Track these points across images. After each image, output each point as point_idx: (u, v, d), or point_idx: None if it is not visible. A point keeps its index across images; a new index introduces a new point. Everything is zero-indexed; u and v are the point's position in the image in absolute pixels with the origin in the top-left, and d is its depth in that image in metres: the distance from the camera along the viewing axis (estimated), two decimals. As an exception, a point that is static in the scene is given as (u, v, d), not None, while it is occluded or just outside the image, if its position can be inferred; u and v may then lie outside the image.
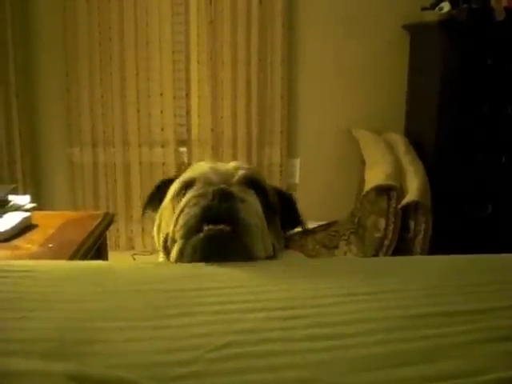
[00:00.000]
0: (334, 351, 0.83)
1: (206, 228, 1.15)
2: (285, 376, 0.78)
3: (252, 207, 1.20)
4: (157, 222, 1.34)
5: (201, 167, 1.32)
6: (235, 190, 1.20)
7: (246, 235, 1.17)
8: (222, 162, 3.54)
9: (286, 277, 1.09)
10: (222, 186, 1.20)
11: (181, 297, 0.96)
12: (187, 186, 1.28)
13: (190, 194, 1.22)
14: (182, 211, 1.20)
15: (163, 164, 3.64)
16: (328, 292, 1.01)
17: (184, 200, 1.22)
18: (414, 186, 2.87)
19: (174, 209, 1.26)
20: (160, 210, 1.35)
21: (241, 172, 1.28)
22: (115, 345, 0.81)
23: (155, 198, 1.41)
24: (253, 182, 1.27)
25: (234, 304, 0.94)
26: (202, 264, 1.12)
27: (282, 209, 1.37)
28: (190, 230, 1.17)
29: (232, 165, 1.33)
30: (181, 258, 1.18)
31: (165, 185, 1.39)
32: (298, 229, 1.49)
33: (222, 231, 1.15)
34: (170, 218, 1.25)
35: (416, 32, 3.55)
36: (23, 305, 0.95)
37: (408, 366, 0.79)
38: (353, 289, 1.03)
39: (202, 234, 1.16)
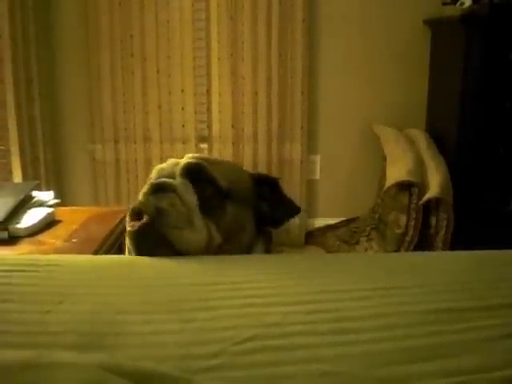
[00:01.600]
0: (355, 345, 0.83)
1: (131, 223, 1.26)
2: (308, 369, 0.79)
3: (177, 200, 1.24)
4: None
5: (161, 165, 1.42)
6: (172, 181, 1.28)
7: (159, 223, 1.22)
8: (243, 158, 3.53)
9: (307, 271, 1.10)
10: (161, 179, 1.29)
11: (205, 291, 0.97)
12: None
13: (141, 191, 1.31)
14: None
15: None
16: (349, 287, 1.02)
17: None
18: (435, 182, 2.86)
19: None
20: None
21: (182, 162, 1.34)
22: (141, 337, 0.83)
23: None
24: (192, 171, 1.31)
25: (257, 298, 0.95)
26: (226, 257, 1.14)
27: (266, 196, 1.42)
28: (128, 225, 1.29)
29: (186, 156, 1.40)
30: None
31: None
32: (295, 218, 1.51)
33: (137, 226, 1.23)
34: None
35: (437, 27, 3.53)
36: (50, 298, 0.97)
37: (428, 361, 0.79)
38: (373, 284, 1.03)
39: (128, 229, 1.27)
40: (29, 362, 0.60)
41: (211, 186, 1.30)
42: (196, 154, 1.41)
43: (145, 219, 1.22)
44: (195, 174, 1.30)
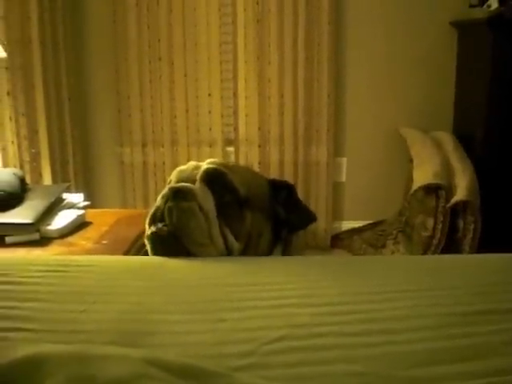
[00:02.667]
0: (385, 346, 0.85)
1: (150, 229, 1.29)
2: (336, 369, 0.80)
3: (197, 206, 1.26)
4: None
5: (181, 167, 1.44)
6: (192, 186, 1.29)
7: (184, 238, 1.24)
8: (269, 160, 3.54)
9: (336, 273, 1.11)
10: (180, 184, 1.30)
11: (237, 291, 0.99)
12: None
13: (161, 193, 1.33)
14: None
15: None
16: (378, 289, 1.03)
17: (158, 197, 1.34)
18: (462, 185, 2.85)
19: None
20: None
21: (202, 168, 1.36)
22: (175, 337, 0.85)
23: None
24: (212, 178, 1.33)
25: (287, 299, 0.96)
26: (256, 259, 1.15)
27: (282, 201, 1.43)
28: (147, 229, 1.32)
29: (206, 161, 1.42)
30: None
31: None
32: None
33: (157, 233, 1.27)
34: None
35: (464, 29, 3.51)
36: (85, 298, 1.00)
37: (455, 362, 0.80)
38: (400, 286, 1.04)
39: (148, 233, 1.30)
40: (79, 354, 0.62)
41: (230, 193, 1.32)
42: (216, 160, 1.43)
43: (166, 227, 1.26)
44: (215, 180, 1.32)
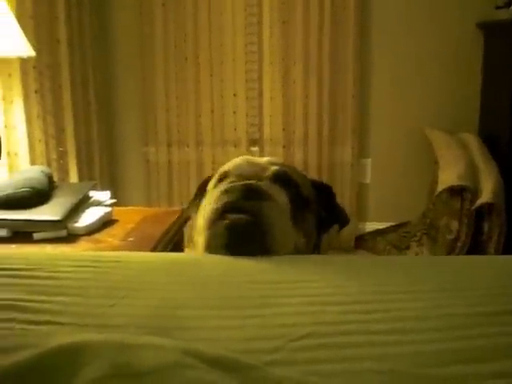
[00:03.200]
0: (409, 345, 0.85)
1: (229, 216, 1.19)
2: (364, 367, 0.80)
3: (276, 206, 1.22)
4: (201, 215, 1.36)
5: (237, 161, 1.38)
6: (264, 185, 1.24)
7: (266, 230, 1.19)
8: (293, 161, 3.56)
9: (363, 272, 1.11)
10: (252, 181, 1.24)
11: (265, 288, 1.00)
12: (222, 178, 1.34)
13: (221, 186, 1.27)
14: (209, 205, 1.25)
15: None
16: (403, 288, 1.03)
17: (215, 192, 1.26)
18: (488, 187, 2.83)
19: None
20: (201, 206, 1.39)
21: (273, 167, 1.32)
22: (204, 332, 0.86)
23: (203, 191, 1.46)
24: (284, 178, 1.30)
25: (315, 297, 0.97)
26: (285, 257, 1.16)
27: (322, 202, 1.41)
28: (214, 221, 1.22)
29: (266, 159, 1.38)
30: (206, 248, 1.23)
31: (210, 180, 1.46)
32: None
33: (243, 219, 1.17)
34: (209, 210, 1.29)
35: (490, 31, 3.49)
36: (114, 293, 1.01)
37: (479, 362, 0.80)
38: (426, 285, 1.04)
39: (225, 221, 1.19)
40: (116, 343, 0.64)
41: (297, 194, 1.30)
42: (275, 159, 1.41)
43: (244, 215, 1.18)
44: (284, 180, 1.30)
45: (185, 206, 3.47)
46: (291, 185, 1.30)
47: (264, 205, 1.19)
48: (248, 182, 1.24)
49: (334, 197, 1.48)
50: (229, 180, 1.29)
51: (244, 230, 1.18)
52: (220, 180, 1.34)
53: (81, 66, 3.31)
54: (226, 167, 1.37)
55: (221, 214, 1.21)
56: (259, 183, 1.24)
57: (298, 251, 1.27)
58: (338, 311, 0.93)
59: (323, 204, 1.43)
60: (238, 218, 1.18)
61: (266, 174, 1.30)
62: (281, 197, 1.25)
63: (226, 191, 1.22)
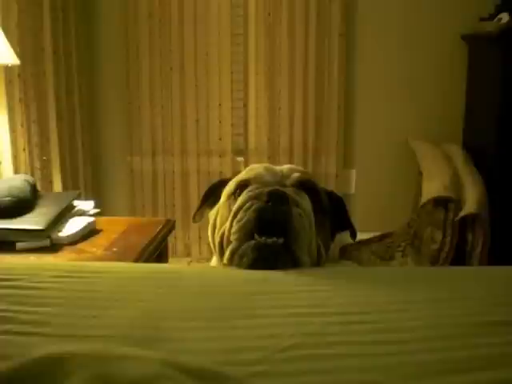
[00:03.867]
0: (397, 356, 0.85)
1: (257, 238, 1.18)
2: (349, 378, 0.80)
3: (305, 211, 1.22)
4: (211, 221, 1.37)
5: (256, 168, 1.37)
6: (289, 191, 1.23)
7: (296, 245, 1.19)
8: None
9: (347, 283, 1.11)
10: (277, 187, 1.23)
11: (248, 300, 0.99)
12: (242, 186, 1.32)
13: (245, 194, 1.25)
14: (237, 212, 1.23)
15: (221, 173, 3.68)
16: (389, 299, 1.03)
17: (240, 200, 1.25)
18: (472, 198, 2.84)
19: (229, 208, 1.29)
20: (215, 209, 1.39)
21: (296, 174, 1.32)
22: (186, 343, 0.85)
23: (210, 197, 1.46)
24: (306, 185, 1.30)
25: (298, 308, 0.97)
26: (267, 271, 1.15)
27: (332, 211, 1.39)
28: (245, 234, 1.20)
29: (286, 167, 1.38)
30: (232, 259, 1.21)
31: (219, 186, 1.45)
32: (346, 234, 1.50)
33: (273, 244, 1.17)
34: (225, 217, 1.28)
35: (474, 42, 3.52)
36: (98, 304, 1.00)
37: (472, 372, 0.80)
38: (411, 296, 1.04)
39: (253, 242, 1.19)
40: (99, 354, 0.63)
41: (318, 202, 1.30)
42: (296, 166, 1.41)
43: (274, 239, 1.18)
44: (308, 187, 1.30)
45: (171, 217, 3.46)
46: (313, 192, 1.30)
47: (294, 211, 1.19)
48: (274, 187, 1.23)
49: (346, 208, 1.47)
50: (252, 187, 1.28)
51: (272, 254, 1.18)
52: (240, 189, 1.32)
53: (66, 75, 3.29)
54: (246, 175, 1.35)
55: (253, 226, 1.20)
56: (285, 189, 1.23)
57: (319, 258, 1.26)
58: (323, 322, 0.93)
59: (335, 213, 1.42)
60: (266, 241, 1.18)
61: (289, 180, 1.30)
62: (306, 204, 1.25)
63: (253, 197, 1.22)
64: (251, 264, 1.18)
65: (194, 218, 1.48)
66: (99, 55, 3.72)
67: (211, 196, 1.46)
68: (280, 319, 0.93)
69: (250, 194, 1.24)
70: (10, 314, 0.96)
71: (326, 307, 0.99)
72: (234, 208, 1.24)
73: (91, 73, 3.68)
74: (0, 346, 0.85)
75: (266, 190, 1.22)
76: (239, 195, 1.28)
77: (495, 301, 1.02)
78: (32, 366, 0.62)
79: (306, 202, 1.25)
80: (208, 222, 1.39)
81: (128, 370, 0.61)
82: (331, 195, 1.43)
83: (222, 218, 1.31)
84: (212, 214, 1.40)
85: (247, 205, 1.22)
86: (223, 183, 1.44)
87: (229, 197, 1.34)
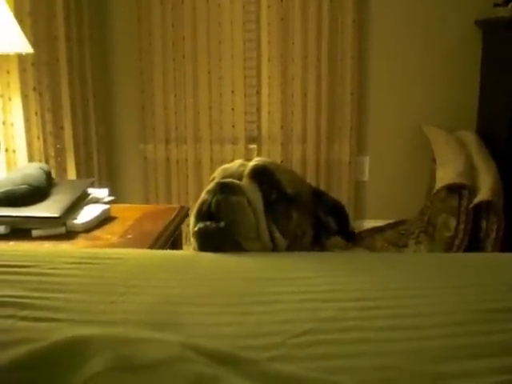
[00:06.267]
0: (411, 341, 0.85)
1: (198, 225, 1.30)
2: (363, 363, 0.80)
3: (245, 200, 1.29)
4: None
5: (230, 164, 1.48)
6: (243, 183, 1.32)
7: (234, 229, 1.26)
8: (291, 158, 3.55)
9: (362, 269, 1.11)
10: (227, 179, 1.33)
11: (264, 285, 1.00)
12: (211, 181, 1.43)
13: (206, 188, 1.35)
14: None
15: (233, 160, 3.68)
16: (404, 285, 1.03)
17: (202, 193, 1.36)
18: (486, 185, 2.83)
19: None
20: None
21: (251, 164, 1.39)
22: (203, 329, 0.86)
23: None
24: (260, 173, 1.36)
25: (314, 294, 0.97)
26: (285, 254, 1.17)
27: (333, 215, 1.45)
28: (194, 224, 1.32)
29: (255, 159, 1.45)
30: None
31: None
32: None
33: (208, 228, 1.27)
34: None
35: (488, 28, 3.49)
36: (113, 290, 1.01)
37: (486, 357, 0.80)
38: (429, 282, 1.04)
39: (195, 229, 1.30)
40: (120, 337, 0.64)
41: (277, 191, 1.34)
42: (263, 158, 1.47)
43: (215, 223, 1.27)
44: (262, 177, 1.35)
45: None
46: (269, 181, 1.35)
47: (232, 200, 1.27)
48: (223, 180, 1.33)
49: (346, 217, 1.51)
50: (215, 181, 1.37)
51: (208, 237, 1.26)
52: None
53: (79, 63, 3.30)
54: (215, 172, 1.47)
55: (198, 217, 1.31)
56: (233, 180, 1.33)
57: (275, 246, 1.30)
58: (338, 308, 0.93)
59: (336, 218, 1.47)
60: (202, 226, 1.28)
61: (246, 171, 1.37)
62: (253, 193, 1.31)
63: (209, 191, 1.32)
64: (198, 245, 1.29)
65: None
66: (112, 43, 3.72)
67: None
68: (296, 304, 0.93)
69: (208, 188, 1.33)
70: (27, 301, 0.97)
71: (342, 293, 0.99)
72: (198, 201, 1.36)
73: (104, 61, 3.68)
74: (19, 331, 0.86)
75: (215, 182, 1.33)
76: None
77: (508, 287, 1.02)
78: (53, 349, 0.62)
79: (253, 191, 1.31)
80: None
81: (149, 351, 0.62)
82: (332, 201, 1.49)
83: None
84: None
85: (204, 197, 1.32)
86: None
87: None
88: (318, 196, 1.48)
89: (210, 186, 1.33)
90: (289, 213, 1.35)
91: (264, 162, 1.42)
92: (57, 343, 0.63)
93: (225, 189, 1.29)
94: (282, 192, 1.35)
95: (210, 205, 1.28)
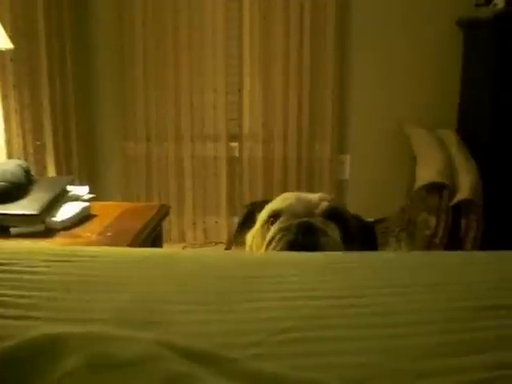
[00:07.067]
0: (392, 339, 0.85)
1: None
2: (343, 361, 0.80)
3: (332, 241, 1.29)
4: (248, 244, 1.46)
5: (288, 198, 1.44)
6: (318, 221, 1.32)
7: None
8: (273, 156, 3.56)
9: (344, 267, 1.11)
10: (306, 219, 1.32)
11: (244, 283, 0.99)
12: (275, 215, 1.40)
13: (276, 225, 1.34)
14: (270, 242, 1.31)
15: (215, 158, 3.68)
16: (385, 283, 1.03)
17: (272, 231, 1.33)
18: (466, 184, 2.84)
19: (263, 236, 1.38)
20: (251, 233, 1.48)
21: (324, 204, 1.39)
22: (182, 327, 0.85)
23: (245, 223, 1.54)
24: (335, 214, 1.38)
25: (294, 292, 0.97)
26: (265, 253, 1.16)
27: (360, 237, 1.47)
28: None
29: (317, 196, 1.44)
30: None
31: (253, 209, 1.54)
32: None
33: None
34: (260, 244, 1.36)
35: (470, 28, 3.50)
36: (91, 287, 1.00)
37: (467, 355, 0.80)
38: (410, 280, 1.05)
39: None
40: (97, 335, 0.63)
41: (346, 229, 1.37)
42: (325, 195, 1.47)
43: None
44: (336, 216, 1.37)
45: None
46: (342, 220, 1.37)
47: (322, 241, 1.27)
48: (303, 219, 1.31)
49: (374, 235, 1.59)
50: (283, 218, 1.35)
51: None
52: (273, 217, 1.40)
53: (59, 60, 3.27)
54: (277, 205, 1.42)
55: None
56: (313, 220, 1.32)
57: None
58: (318, 306, 0.93)
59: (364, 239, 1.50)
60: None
61: (318, 210, 1.37)
62: (334, 233, 1.32)
63: (283, 229, 1.30)
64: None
65: (234, 241, 1.55)
66: (93, 39, 3.70)
67: (248, 220, 1.54)
68: (277, 302, 0.93)
69: (281, 225, 1.32)
70: (4, 299, 0.96)
71: (322, 291, 0.99)
72: (267, 238, 1.33)
73: (85, 58, 3.65)
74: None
75: (295, 222, 1.30)
76: (272, 224, 1.37)
77: (488, 285, 1.02)
78: (28, 346, 0.62)
79: (333, 231, 1.33)
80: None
81: (123, 350, 0.61)
82: (360, 221, 1.52)
83: (257, 244, 1.39)
84: (249, 238, 1.48)
85: (278, 236, 1.30)
86: (256, 206, 1.54)
87: (262, 225, 1.43)
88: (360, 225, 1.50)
89: (284, 224, 1.32)
90: (352, 250, 1.36)
91: (332, 200, 1.45)
92: (30, 341, 0.62)
93: (308, 230, 1.29)
94: (348, 231, 1.38)
95: (295, 245, 1.26)
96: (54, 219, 1.94)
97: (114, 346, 0.61)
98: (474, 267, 1.13)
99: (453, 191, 2.88)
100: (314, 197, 1.43)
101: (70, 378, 0.56)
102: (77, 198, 2.15)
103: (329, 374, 0.76)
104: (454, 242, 2.92)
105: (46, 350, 0.60)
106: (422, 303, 0.94)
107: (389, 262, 1.17)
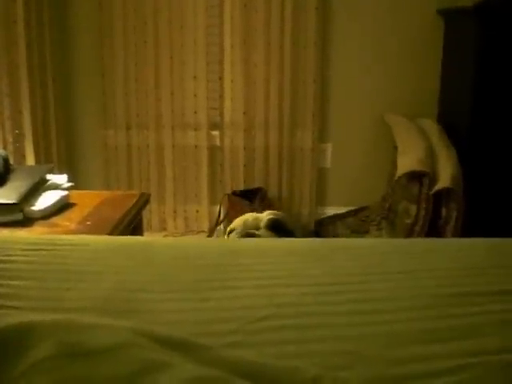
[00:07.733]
0: (371, 326, 0.85)
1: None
2: (322, 348, 0.80)
3: None
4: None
5: (244, 217, 1.73)
6: (261, 232, 1.59)
7: None
8: (254, 145, 3.57)
9: (323, 255, 1.11)
10: (252, 231, 1.59)
11: (221, 271, 0.99)
12: (231, 231, 1.68)
13: (231, 236, 1.60)
14: None
15: (196, 147, 3.66)
16: (364, 270, 1.04)
17: None
18: (446, 173, 2.86)
19: None
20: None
21: (267, 217, 1.68)
22: (159, 315, 0.85)
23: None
24: (277, 225, 1.65)
25: (272, 279, 0.97)
26: (242, 240, 1.16)
27: None
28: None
29: (266, 212, 1.74)
30: None
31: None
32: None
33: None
34: None
35: (450, 17, 3.51)
36: (70, 276, 1.00)
37: (445, 342, 0.81)
38: (387, 267, 1.05)
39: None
40: (67, 323, 0.62)
41: (288, 236, 1.60)
42: (275, 212, 1.78)
43: None
44: (278, 226, 1.65)
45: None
46: (284, 230, 1.64)
47: None
48: (249, 231, 1.58)
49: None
50: (236, 231, 1.62)
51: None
52: (229, 233, 1.67)
53: (38, 48, 3.23)
54: (235, 224, 1.70)
55: None
56: (255, 231, 1.59)
57: None
58: (296, 293, 0.93)
59: None
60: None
61: (262, 223, 1.65)
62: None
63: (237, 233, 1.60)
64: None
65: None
66: (73, 27, 3.65)
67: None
68: (253, 290, 0.93)
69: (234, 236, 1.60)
70: (-20, 288, 0.95)
71: (301, 278, 0.99)
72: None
73: (64, 45, 3.61)
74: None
75: (244, 232, 1.58)
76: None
77: (466, 272, 1.03)
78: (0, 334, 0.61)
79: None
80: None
81: (99, 337, 0.61)
82: (305, 231, 1.87)
83: None
84: None
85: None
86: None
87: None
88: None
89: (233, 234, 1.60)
90: None
91: (276, 214, 1.74)
92: (2, 329, 0.61)
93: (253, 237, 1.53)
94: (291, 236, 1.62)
95: None
96: (33, 208, 1.92)
97: (89, 334, 0.61)
98: (452, 254, 1.13)
99: (433, 180, 2.89)
100: (262, 214, 1.73)
101: (39, 366, 0.56)
102: (56, 187, 2.13)
103: (307, 362, 0.76)
104: (434, 230, 2.94)
105: (17, 338, 0.60)
106: (400, 290, 0.95)
107: (367, 249, 1.17)
